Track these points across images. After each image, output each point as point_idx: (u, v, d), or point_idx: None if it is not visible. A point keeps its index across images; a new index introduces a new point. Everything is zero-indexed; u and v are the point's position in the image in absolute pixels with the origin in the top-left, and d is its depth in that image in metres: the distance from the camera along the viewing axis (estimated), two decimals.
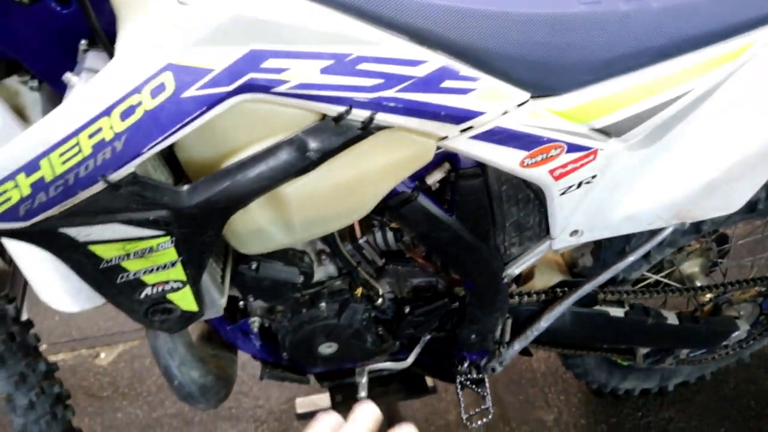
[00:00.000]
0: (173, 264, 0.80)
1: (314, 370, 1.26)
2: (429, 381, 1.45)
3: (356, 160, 0.79)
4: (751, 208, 1.17)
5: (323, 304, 1.06)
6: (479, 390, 1.29)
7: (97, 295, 0.84)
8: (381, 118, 0.75)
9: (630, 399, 1.73)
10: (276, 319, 1.09)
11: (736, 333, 1.38)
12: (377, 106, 0.74)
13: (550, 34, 0.78)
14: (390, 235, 1.04)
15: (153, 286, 0.82)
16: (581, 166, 0.88)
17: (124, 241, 0.75)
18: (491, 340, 1.19)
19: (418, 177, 0.91)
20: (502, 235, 1.02)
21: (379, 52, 0.71)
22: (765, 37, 0.85)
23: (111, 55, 0.68)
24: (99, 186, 0.69)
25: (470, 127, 0.79)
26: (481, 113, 0.78)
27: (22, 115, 0.85)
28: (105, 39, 0.69)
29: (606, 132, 0.86)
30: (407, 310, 1.11)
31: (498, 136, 0.81)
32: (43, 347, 1.65)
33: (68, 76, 0.69)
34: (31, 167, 0.66)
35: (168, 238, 0.77)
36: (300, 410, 1.61)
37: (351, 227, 1.05)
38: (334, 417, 0.51)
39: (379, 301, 1.09)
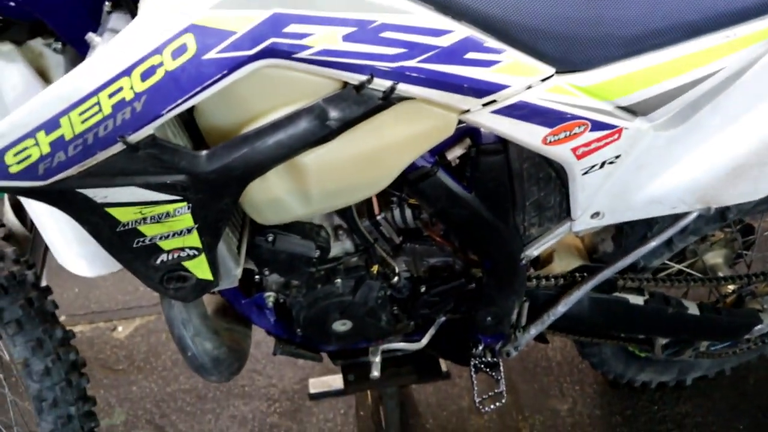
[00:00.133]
0: (189, 231, 0.80)
1: (327, 348, 1.25)
2: (443, 366, 1.44)
3: (376, 131, 0.79)
4: None
5: (339, 281, 1.05)
6: (493, 374, 1.28)
7: (113, 261, 0.85)
8: (402, 88, 0.74)
9: (646, 391, 1.70)
10: (291, 294, 1.09)
11: (759, 326, 1.34)
12: (399, 75, 0.73)
13: (580, 7, 0.77)
14: (408, 212, 1.03)
15: (169, 252, 0.82)
16: (605, 146, 0.86)
17: (141, 204, 0.75)
18: (507, 324, 1.17)
19: (438, 152, 0.90)
20: (522, 215, 1.00)
21: (403, 20, 0.71)
22: None
23: (134, 16, 0.68)
24: (118, 147, 0.69)
25: (493, 101, 0.78)
26: (504, 86, 0.77)
27: (45, 76, 0.86)
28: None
29: (632, 110, 0.85)
30: (423, 289, 1.10)
31: (521, 112, 0.80)
32: (61, 318, 1.67)
33: (91, 36, 0.69)
34: (51, 125, 0.66)
35: (185, 203, 0.77)
36: (313, 390, 1.62)
37: (369, 203, 1.04)
38: None
39: (395, 279, 1.08)
